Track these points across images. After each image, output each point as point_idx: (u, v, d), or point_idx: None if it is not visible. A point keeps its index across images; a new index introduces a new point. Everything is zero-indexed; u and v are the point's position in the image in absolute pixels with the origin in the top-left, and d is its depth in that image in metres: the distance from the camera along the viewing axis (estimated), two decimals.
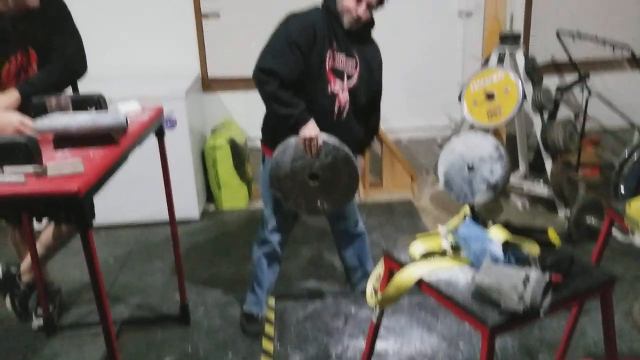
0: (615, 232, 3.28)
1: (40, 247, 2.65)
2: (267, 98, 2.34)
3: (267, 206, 2.64)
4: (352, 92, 2.44)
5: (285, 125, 2.36)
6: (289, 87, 2.32)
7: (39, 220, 2.86)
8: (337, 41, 2.37)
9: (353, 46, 2.42)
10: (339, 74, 2.40)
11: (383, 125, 4.33)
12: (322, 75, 2.36)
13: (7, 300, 2.79)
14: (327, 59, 2.35)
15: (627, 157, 3.38)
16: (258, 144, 4.46)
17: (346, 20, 2.36)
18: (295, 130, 2.35)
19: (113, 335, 1.81)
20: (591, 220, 3.20)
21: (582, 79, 4.02)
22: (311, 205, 2.50)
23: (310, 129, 2.33)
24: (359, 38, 2.43)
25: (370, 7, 2.36)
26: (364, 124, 2.58)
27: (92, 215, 2.40)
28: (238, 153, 4.09)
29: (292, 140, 2.39)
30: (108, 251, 3.54)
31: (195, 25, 4.20)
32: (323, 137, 2.38)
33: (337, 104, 2.41)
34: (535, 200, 3.98)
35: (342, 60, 2.39)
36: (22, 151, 1.71)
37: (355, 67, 2.43)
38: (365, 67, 2.46)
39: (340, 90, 2.41)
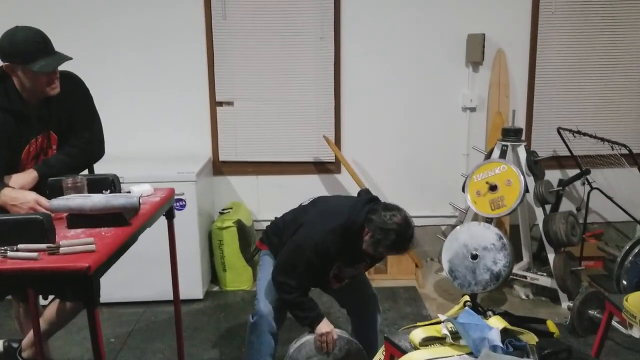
0: (618, 326, 3.26)
1: (43, 322, 2.66)
2: (286, 302, 2.56)
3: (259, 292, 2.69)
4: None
5: (301, 324, 2.58)
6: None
7: (45, 297, 2.92)
8: (348, 257, 2.54)
9: (363, 256, 2.55)
10: (340, 279, 2.63)
11: None
12: (325, 280, 2.61)
13: None
14: (333, 270, 2.58)
15: (628, 251, 3.41)
16: (264, 226, 4.54)
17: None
18: (310, 327, 2.56)
19: None
20: (594, 312, 3.19)
21: (583, 174, 4.12)
22: None
23: (325, 326, 2.52)
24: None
25: None
26: None
27: (98, 295, 2.45)
28: (244, 235, 4.16)
29: (308, 338, 2.55)
30: (110, 329, 3.53)
31: (210, 113, 4.40)
32: (337, 331, 2.56)
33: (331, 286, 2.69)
34: (538, 290, 3.97)
35: (345, 272, 2.60)
36: (37, 228, 1.79)
37: (357, 268, 2.64)
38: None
39: (337, 283, 2.66)
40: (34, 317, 2.58)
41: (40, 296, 2.83)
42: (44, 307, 2.75)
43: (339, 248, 2.46)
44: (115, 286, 3.63)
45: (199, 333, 3.51)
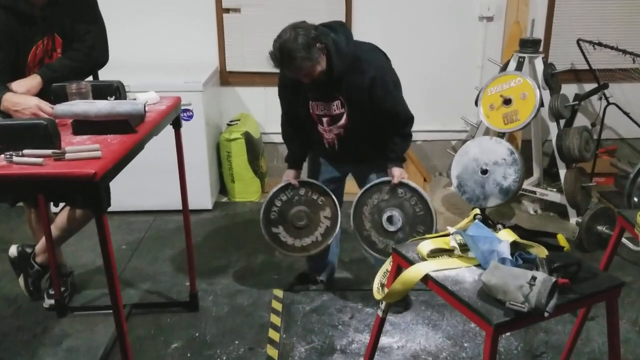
0: (627, 242, 3.27)
1: (54, 229, 2.70)
2: None
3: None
4: (345, 129, 2.59)
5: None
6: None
7: (56, 204, 2.95)
8: (310, 92, 2.52)
9: (330, 90, 2.50)
10: (319, 119, 2.61)
11: None
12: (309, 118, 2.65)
13: (21, 280, 2.86)
14: (309, 105, 2.59)
15: None
16: (273, 138, 4.49)
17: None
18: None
19: (123, 317, 1.84)
20: (602, 228, 3.19)
21: (601, 88, 4.01)
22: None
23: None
24: (333, 84, 2.47)
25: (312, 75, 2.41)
26: (381, 140, 2.68)
27: (108, 203, 2.46)
28: (253, 147, 4.13)
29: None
30: (121, 237, 3.59)
31: (216, 19, 4.24)
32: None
33: (325, 141, 2.68)
34: (547, 205, 3.98)
35: (320, 107, 2.56)
36: (42, 133, 1.75)
37: (342, 107, 2.53)
38: (354, 103, 2.53)
39: (324, 131, 2.64)
40: (45, 223, 2.62)
41: (52, 203, 2.86)
42: (56, 214, 2.78)
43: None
44: (125, 195, 3.67)
45: (208, 242, 3.57)
